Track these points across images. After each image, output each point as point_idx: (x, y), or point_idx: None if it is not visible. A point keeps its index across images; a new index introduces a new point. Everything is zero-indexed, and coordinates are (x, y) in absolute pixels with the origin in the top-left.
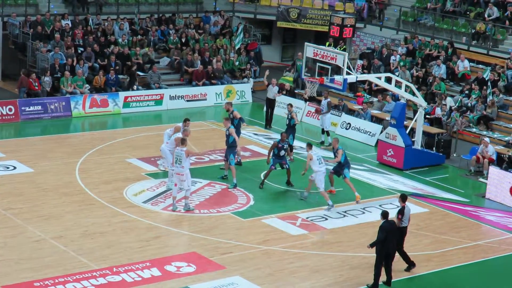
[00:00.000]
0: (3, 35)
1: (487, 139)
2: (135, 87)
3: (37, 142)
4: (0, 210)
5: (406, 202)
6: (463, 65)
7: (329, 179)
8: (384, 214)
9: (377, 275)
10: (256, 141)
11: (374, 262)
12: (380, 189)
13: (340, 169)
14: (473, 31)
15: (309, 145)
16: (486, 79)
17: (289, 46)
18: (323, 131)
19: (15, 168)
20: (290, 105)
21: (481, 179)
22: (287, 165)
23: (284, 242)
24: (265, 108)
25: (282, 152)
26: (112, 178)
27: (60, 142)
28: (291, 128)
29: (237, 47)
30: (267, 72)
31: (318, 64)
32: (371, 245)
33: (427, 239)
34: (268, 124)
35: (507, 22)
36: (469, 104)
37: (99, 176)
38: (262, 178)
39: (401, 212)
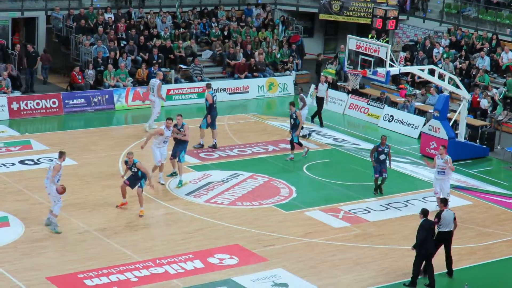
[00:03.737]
0: (47, 29)
1: None
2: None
3: (81, 135)
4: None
5: (448, 207)
6: (507, 57)
7: (121, 191)
8: (424, 212)
9: (415, 275)
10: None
11: (413, 261)
12: (423, 182)
13: (136, 180)
14: None
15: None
16: None
17: (331, 39)
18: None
19: None
20: (292, 104)
21: None
22: (385, 174)
23: (326, 235)
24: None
25: (382, 156)
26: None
27: (103, 135)
28: (295, 127)
29: (280, 39)
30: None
31: (360, 56)
32: (414, 247)
33: (471, 232)
34: (313, 118)
35: None
36: None
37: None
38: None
39: (437, 216)
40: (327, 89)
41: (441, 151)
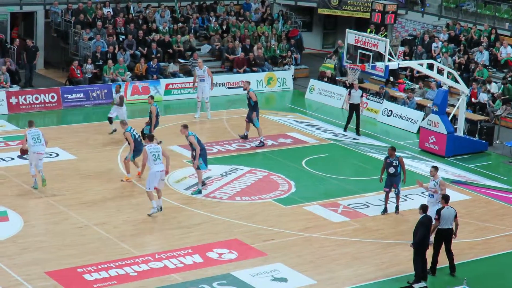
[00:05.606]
0: (46, 23)
1: None
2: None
3: (80, 129)
4: (43, 197)
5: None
6: (505, 52)
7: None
8: (424, 208)
9: (418, 272)
10: (298, 128)
11: (413, 260)
12: (422, 176)
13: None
14: None
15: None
16: None
17: (330, 33)
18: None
19: (58, 155)
20: (247, 82)
21: None
22: (396, 190)
23: (325, 229)
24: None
25: (391, 170)
26: None
27: (102, 129)
28: (252, 108)
29: (279, 33)
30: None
31: (359, 51)
32: (413, 244)
33: (470, 226)
34: (346, 127)
35: None
36: None
37: (141, 163)
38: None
39: (437, 213)
40: (361, 95)
41: (432, 172)
